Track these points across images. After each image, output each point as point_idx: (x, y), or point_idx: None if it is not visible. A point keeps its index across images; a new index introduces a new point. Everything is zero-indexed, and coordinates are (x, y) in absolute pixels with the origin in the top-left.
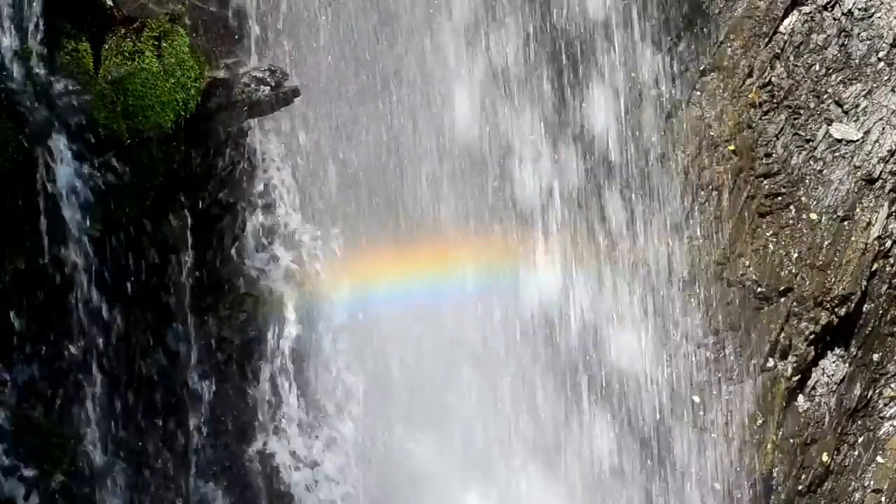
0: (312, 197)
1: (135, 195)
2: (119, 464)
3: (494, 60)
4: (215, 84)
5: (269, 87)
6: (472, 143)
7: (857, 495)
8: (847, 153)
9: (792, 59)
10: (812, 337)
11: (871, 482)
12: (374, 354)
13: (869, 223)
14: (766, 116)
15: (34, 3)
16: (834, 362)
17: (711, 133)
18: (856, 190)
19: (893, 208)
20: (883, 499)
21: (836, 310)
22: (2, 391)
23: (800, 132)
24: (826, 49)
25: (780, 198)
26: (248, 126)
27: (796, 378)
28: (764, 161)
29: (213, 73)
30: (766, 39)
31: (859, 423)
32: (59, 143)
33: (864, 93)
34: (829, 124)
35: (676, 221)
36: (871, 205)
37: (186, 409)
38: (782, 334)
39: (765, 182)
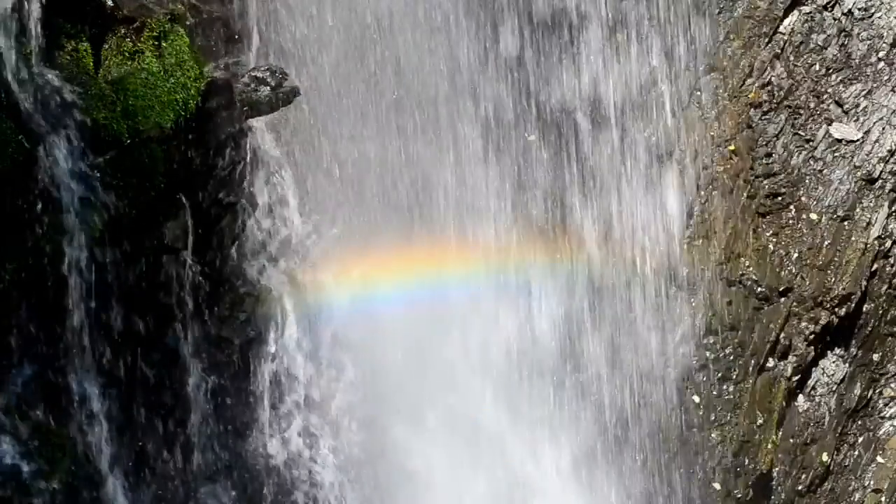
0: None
1: (135, 195)
2: (119, 463)
3: None
4: (215, 84)
5: (269, 87)
6: None
7: (857, 495)
8: (847, 153)
9: (792, 59)
10: (812, 337)
11: (871, 482)
12: (375, 353)
13: (869, 223)
14: (766, 116)
15: (34, 3)
16: (834, 362)
17: (711, 133)
18: (856, 190)
19: (893, 208)
20: (883, 499)
21: (836, 310)
22: (2, 391)
23: (800, 132)
24: (826, 49)
25: (780, 198)
26: (248, 126)
27: (796, 378)
28: (764, 161)
29: (213, 73)
30: (766, 39)
31: (859, 423)
32: (59, 143)
33: (864, 93)
34: (829, 124)
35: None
36: (871, 205)
37: (186, 408)
38: (782, 334)
39: (765, 182)
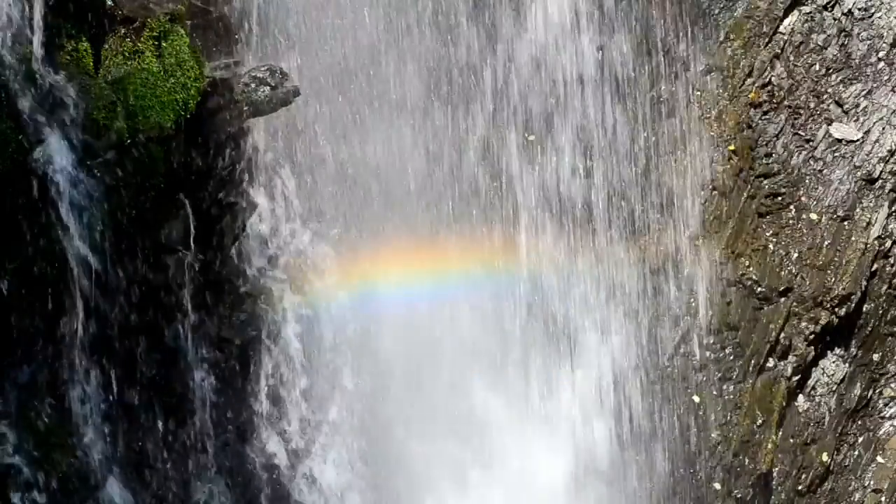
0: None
1: (135, 195)
2: (119, 464)
3: None
4: (215, 84)
5: (269, 87)
6: None
7: (857, 495)
8: (847, 153)
9: (792, 59)
10: (812, 337)
11: (871, 482)
12: (374, 352)
13: (869, 223)
14: (766, 116)
15: (35, 4)
16: (834, 362)
17: (711, 133)
18: (856, 190)
19: (893, 208)
20: (883, 499)
21: (836, 310)
22: (2, 391)
23: (800, 132)
24: (826, 49)
25: (780, 198)
26: (248, 126)
27: (796, 378)
28: (764, 161)
29: (213, 73)
30: (766, 39)
31: (859, 423)
32: (59, 143)
33: (864, 93)
34: (829, 124)
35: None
36: (871, 205)
37: (186, 409)
38: (782, 334)
39: (765, 182)
